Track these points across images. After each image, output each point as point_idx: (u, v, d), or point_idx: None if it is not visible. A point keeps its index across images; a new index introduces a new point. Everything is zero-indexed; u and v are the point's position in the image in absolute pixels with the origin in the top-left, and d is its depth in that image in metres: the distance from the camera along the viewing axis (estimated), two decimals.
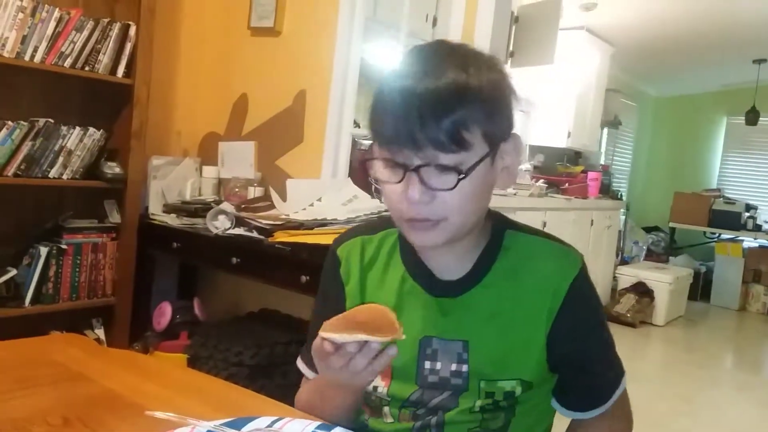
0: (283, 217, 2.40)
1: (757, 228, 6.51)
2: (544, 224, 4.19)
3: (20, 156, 2.32)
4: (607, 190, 5.92)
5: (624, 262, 6.49)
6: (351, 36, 2.70)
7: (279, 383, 2.22)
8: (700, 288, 6.49)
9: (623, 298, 5.35)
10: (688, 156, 7.65)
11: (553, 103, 5.33)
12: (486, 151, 0.84)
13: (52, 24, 2.34)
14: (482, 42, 2.39)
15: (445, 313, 0.95)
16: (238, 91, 3.01)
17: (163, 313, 2.55)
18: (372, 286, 1.01)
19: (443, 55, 0.85)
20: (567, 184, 5.08)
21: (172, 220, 2.58)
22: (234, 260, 2.29)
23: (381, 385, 0.99)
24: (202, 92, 3.10)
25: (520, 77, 3.80)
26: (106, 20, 2.47)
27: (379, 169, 0.87)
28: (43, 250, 2.42)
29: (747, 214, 6.49)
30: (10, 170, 2.31)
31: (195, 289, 3.02)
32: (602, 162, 6.64)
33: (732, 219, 6.46)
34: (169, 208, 2.67)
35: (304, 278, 2.03)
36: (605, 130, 6.56)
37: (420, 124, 0.80)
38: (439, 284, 0.96)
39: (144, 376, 0.98)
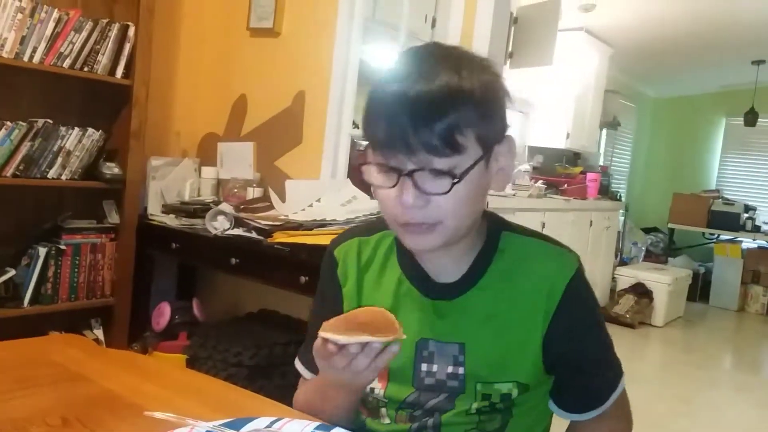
0: (282, 217, 2.40)
1: (756, 229, 6.51)
2: (543, 225, 4.19)
3: (19, 156, 2.32)
4: (606, 191, 5.92)
5: (623, 262, 6.49)
6: (350, 37, 2.70)
7: (278, 384, 2.22)
8: (699, 289, 6.50)
9: (622, 299, 5.35)
10: (687, 157, 7.66)
11: (551, 104, 5.34)
12: (480, 154, 0.84)
13: (51, 24, 2.34)
14: (481, 43, 2.39)
15: (442, 315, 0.95)
16: (237, 91, 3.01)
17: (162, 314, 2.55)
18: (369, 288, 1.01)
19: (436, 57, 0.85)
20: (566, 185, 5.08)
21: (171, 221, 2.58)
22: (233, 261, 2.29)
23: (378, 386, 0.99)
24: (201, 93, 3.10)
25: (519, 78, 3.80)
26: (104, 21, 2.47)
27: (373, 174, 0.86)
28: (42, 251, 2.42)
29: (746, 215, 6.49)
30: (9, 171, 2.31)
31: (194, 289, 3.02)
32: (601, 163, 6.65)
33: (731, 220, 6.46)
34: (168, 209, 2.67)
35: (303, 279, 2.03)
36: (604, 131, 6.57)
37: (413, 128, 0.80)
38: (435, 287, 0.96)
39: (143, 377, 0.98)
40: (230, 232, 2.30)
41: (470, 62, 0.85)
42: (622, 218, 6.59)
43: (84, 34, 2.42)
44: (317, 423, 0.79)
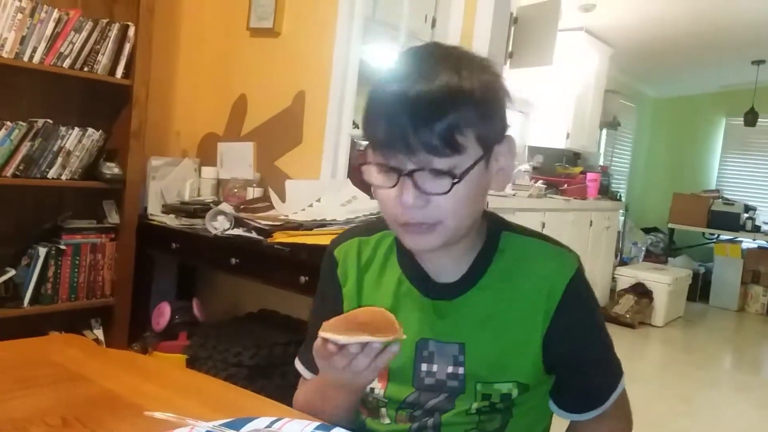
0: (282, 217, 2.40)
1: (756, 229, 6.51)
2: (543, 225, 4.19)
3: (19, 156, 2.32)
4: (606, 191, 5.92)
5: (623, 262, 6.49)
6: (350, 37, 2.70)
7: (278, 384, 2.22)
8: (699, 289, 6.50)
9: (622, 299, 5.35)
10: (687, 157, 7.66)
11: (552, 104, 5.34)
12: (480, 154, 0.84)
13: (51, 24, 2.34)
14: (481, 43, 2.39)
15: (441, 315, 0.95)
16: (237, 91, 3.01)
17: (162, 314, 2.55)
18: (368, 288, 1.01)
19: (436, 57, 0.85)
20: (566, 185, 5.08)
21: (171, 221, 2.58)
22: (233, 261, 2.29)
23: (378, 386, 0.99)
24: (201, 93, 3.10)
25: (519, 78, 3.80)
26: (104, 21, 2.47)
27: (373, 174, 0.86)
28: (42, 251, 2.42)
29: (746, 215, 6.49)
30: (9, 171, 2.31)
31: (194, 289, 3.02)
32: (601, 163, 6.65)
33: (731, 220, 6.46)
34: (168, 209, 2.67)
35: (303, 279, 2.03)
36: (604, 131, 6.57)
37: (413, 128, 0.80)
38: (435, 287, 0.96)
39: (143, 377, 0.98)
40: (230, 232, 2.30)
41: (470, 62, 0.85)
42: (622, 218, 6.59)
43: (84, 34, 2.42)
44: (317, 423, 0.79)
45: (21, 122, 2.33)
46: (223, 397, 0.94)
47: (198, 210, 2.55)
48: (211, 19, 3.08)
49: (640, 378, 3.99)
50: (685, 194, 6.87)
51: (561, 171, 5.69)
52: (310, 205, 2.49)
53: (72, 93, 2.57)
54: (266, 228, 2.24)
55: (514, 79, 4.13)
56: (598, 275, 5.34)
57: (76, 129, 2.44)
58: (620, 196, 6.56)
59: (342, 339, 0.76)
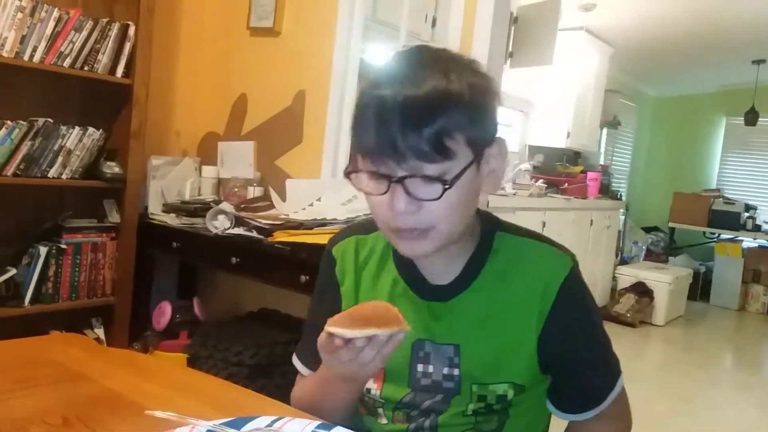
0: (283, 216, 2.40)
1: (757, 228, 6.51)
2: (544, 224, 4.19)
3: (19, 156, 2.32)
4: (606, 190, 5.92)
5: (623, 262, 6.49)
6: (350, 36, 2.70)
7: (278, 383, 2.22)
8: (700, 288, 6.49)
9: (623, 298, 5.35)
10: (688, 156, 7.65)
11: (552, 103, 5.34)
12: (471, 158, 0.83)
13: (51, 24, 2.34)
14: (481, 42, 2.38)
15: (437, 317, 0.95)
16: (237, 91, 3.01)
17: (163, 313, 2.55)
18: (365, 287, 1.01)
19: (424, 61, 0.83)
20: (566, 184, 5.08)
21: (172, 220, 2.58)
22: (233, 260, 2.29)
23: (374, 387, 0.99)
24: (201, 92, 3.11)
25: (519, 78, 3.79)
26: (105, 20, 2.47)
27: (363, 181, 0.86)
28: (43, 250, 2.42)
29: (746, 215, 6.49)
30: (10, 170, 2.31)
31: (194, 288, 3.02)
32: (601, 162, 6.64)
33: (731, 219, 6.46)
34: (168, 208, 2.68)
35: (303, 278, 2.03)
36: (604, 130, 6.56)
37: (402, 134, 0.79)
38: (430, 288, 0.95)
39: (144, 376, 0.98)
40: (231, 231, 2.30)
41: (458, 65, 0.84)
42: (623, 217, 6.59)
43: (84, 33, 2.42)
44: (318, 422, 0.79)
45: (21, 121, 2.33)
46: (223, 397, 0.94)
47: (198, 209, 2.55)
48: (211, 18, 3.08)
49: (640, 377, 3.98)
50: (685, 193, 6.87)
51: (561, 170, 5.68)
52: (311, 205, 2.49)
53: (72, 92, 2.58)
54: (267, 227, 2.24)
55: (514, 78, 4.13)
56: (598, 274, 5.34)
57: (77, 128, 2.44)
58: (621, 195, 6.56)
59: (349, 333, 0.76)
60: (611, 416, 0.98)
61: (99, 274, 2.57)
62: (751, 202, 6.76)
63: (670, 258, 6.86)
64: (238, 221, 2.33)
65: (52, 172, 2.41)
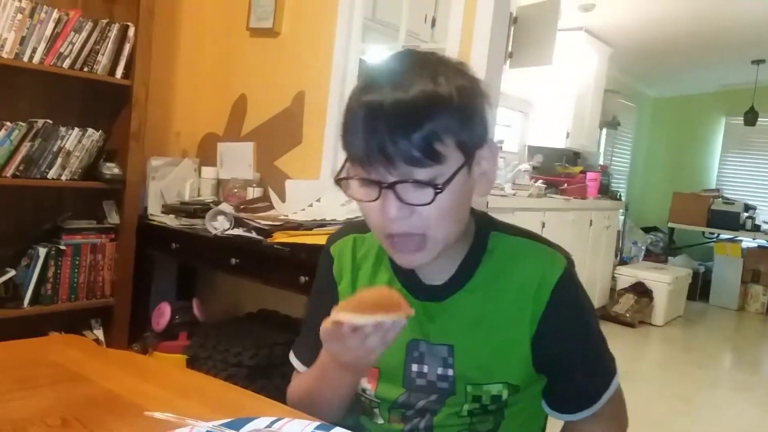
0: (282, 217, 2.40)
1: (756, 228, 6.51)
2: (543, 225, 4.19)
3: (19, 157, 2.32)
4: (605, 191, 5.92)
5: (623, 262, 6.49)
6: (350, 37, 2.70)
7: (278, 384, 2.22)
8: (699, 288, 6.50)
9: (622, 298, 5.35)
10: (687, 156, 7.66)
11: (551, 103, 5.34)
12: (461, 161, 0.83)
13: (51, 25, 2.34)
14: (481, 43, 2.38)
15: (431, 317, 0.95)
16: (237, 91, 3.01)
17: (162, 314, 2.55)
18: (362, 285, 1.01)
19: (411, 65, 0.83)
20: (566, 185, 5.08)
21: (171, 221, 2.58)
22: (233, 261, 2.29)
23: (368, 387, 0.99)
24: (201, 93, 3.11)
25: (518, 78, 3.80)
26: (104, 21, 2.47)
27: (354, 188, 0.85)
28: (42, 251, 2.42)
29: (746, 215, 6.49)
30: (9, 171, 2.31)
31: (194, 289, 3.02)
32: (601, 162, 6.64)
33: (731, 219, 6.46)
34: (167, 209, 2.68)
35: (302, 279, 2.03)
36: (604, 130, 6.56)
37: (391, 140, 0.78)
38: (425, 288, 0.95)
39: (143, 377, 0.98)
40: (230, 232, 2.30)
41: (446, 68, 0.84)
42: (622, 218, 6.59)
43: (84, 34, 2.42)
44: (317, 423, 0.79)
45: (21, 123, 2.33)
46: (223, 397, 0.94)
47: (198, 210, 2.55)
48: (210, 19, 3.08)
49: (640, 377, 3.99)
50: (685, 193, 6.87)
51: (561, 170, 5.68)
52: (310, 205, 2.49)
53: (72, 93, 2.57)
54: (266, 228, 2.24)
55: (513, 78, 4.13)
56: (598, 274, 5.34)
57: (76, 129, 2.44)
58: (620, 195, 6.56)
59: (359, 320, 0.76)
60: (607, 416, 0.98)
61: (98, 275, 2.57)
62: (750, 202, 6.76)
63: (669, 258, 6.86)
64: (238, 222, 2.33)
65: (51, 173, 2.41)
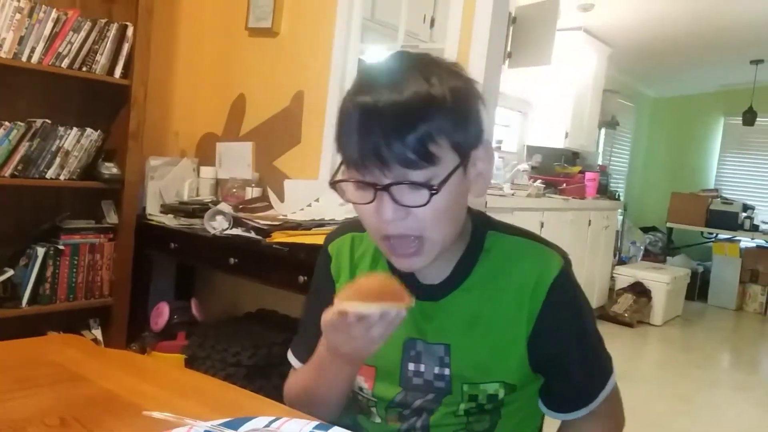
0: (281, 217, 2.40)
1: (755, 228, 6.52)
2: (542, 224, 4.20)
3: (17, 156, 2.32)
4: (604, 191, 5.92)
5: (621, 262, 6.49)
6: (348, 36, 2.70)
7: (276, 383, 2.20)
8: (698, 288, 6.51)
9: (621, 298, 5.36)
10: (686, 156, 7.66)
11: (550, 103, 5.34)
12: (457, 162, 0.83)
13: (50, 25, 2.34)
14: (480, 42, 2.38)
15: (428, 316, 0.95)
16: (235, 91, 3.01)
17: (161, 314, 2.55)
18: None
19: (404, 67, 0.83)
20: (564, 185, 5.08)
21: (170, 221, 2.58)
22: (231, 261, 2.29)
23: (365, 386, 0.99)
24: (199, 93, 3.10)
25: (517, 78, 3.79)
26: (103, 21, 2.47)
27: (350, 191, 0.85)
28: (41, 251, 2.42)
29: (744, 214, 6.50)
30: (7, 171, 2.31)
31: (192, 289, 3.02)
32: (600, 162, 6.65)
33: (729, 219, 6.47)
34: (166, 209, 2.67)
35: (301, 278, 2.03)
36: (603, 130, 6.57)
37: (385, 142, 0.78)
38: (421, 288, 0.95)
39: (141, 377, 0.98)
40: (229, 232, 2.30)
41: (439, 69, 0.84)
42: (621, 217, 6.59)
43: (82, 34, 2.41)
44: (316, 422, 0.79)
45: (19, 122, 2.33)
46: (221, 397, 0.94)
47: (196, 210, 2.55)
48: (209, 19, 3.08)
49: (638, 377, 3.99)
50: (683, 193, 6.88)
51: (560, 170, 5.68)
52: (309, 205, 2.49)
53: (70, 93, 2.57)
54: (265, 228, 2.24)
55: (512, 78, 4.13)
56: (596, 274, 5.35)
57: (75, 129, 2.44)
58: (619, 195, 6.56)
59: (368, 309, 0.77)
60: (603, 415, 0.98)
61: (97, 275, 2.57)
62: (748, 202, 6.77)
63: (667, 258, 6.87)
64: (236, 222, 2.33)
65: (50, 173, 2.41)
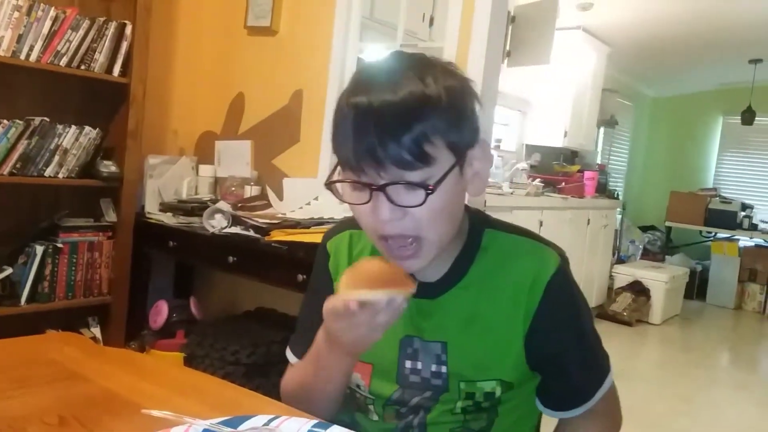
0: (280, 216, 2.40)
1: (753, 227, 6.52)
2: (541, 223, 4.20)
3: (16, 154, 2.32)
4: (603, 190, 5.92)
5: (620, 261, 6.49)
6: (347, 35, 2.70)
7: (275, 382, 2.20)
8: (696, 287, 6.51)
9: (619, 297, 5.36)
10: (685, 155, 7.66)
11: (549, 102, 5.34)
12: (452, 162, 0.82)
13: (48, 23, 2.34)
14: (479, 41, 2.38)
15: (425, 314, 0.95)
16: (234, 90, 3.01)
17: (160, 312, 2.55)
18: None
19: (399, 67, 0.83)
20: (563, 184, 5.08)
21: (169, 219, 2.58)
22: (230, 259, 2.29)
23: (362, 383, 0.99)
24: (198, 91, 3.10)
25: (516, 77, 3.80)
26: (102, 19, 2.46)
27: (346, 191, 0.85)
28: (39, 249, 2.42)
29: (743, 214, 6.50)
30: (6, 169, 2.30)
31: (191, 287, 3.02)
32: (599, 161, 6.65)
33: (728, 218, 6.47)
34: (165, 207, 2.67)
35: (300, 277, 2.03)
36: (602, 129, 6.57)
37: (380, 143, 0.78)
38: (419, 285, 0.95)
39: (140, 375, 0.98)
40: (227, 230, 2.30)
41: (434, 68, 0.83)
42: (620, 216, 6.59)
43: (81, 32, 2.41)
44: (315, 421, 0.79)
45: (18, 120, 2.33)
46: (220, 395, 0.94)
47: (195, 208, 2.55)
48: (208, 17, 3.08)
49: (638, 376, 3.99)
50: (682, 192, 6.88)
51: (558, 169, 5.68)
52: (308, 204, 2.49)
53: (69, 91, 2.57)
54: (263, 226, 2.24)
55: (511, 77, 4.13)
56: (595, 273, 5.35)
57: (73, 127, 2.44)
58: (618, 194, 6.56)
59: (376, 296, 0.77)
60: (601, 413, 0.99)
61: (95, 273, 2.57)
62: (747, 201, 6.77)
63: (666, 257, 6.87)
64: (235, 220, 2.33)
65: (48, 171, 2.40)
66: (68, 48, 2.39)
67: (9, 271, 2.39)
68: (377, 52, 3.25)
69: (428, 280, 0.95)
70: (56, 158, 2.41)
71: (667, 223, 6.88)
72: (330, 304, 0.81)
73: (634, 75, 7.00)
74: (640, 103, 7.68)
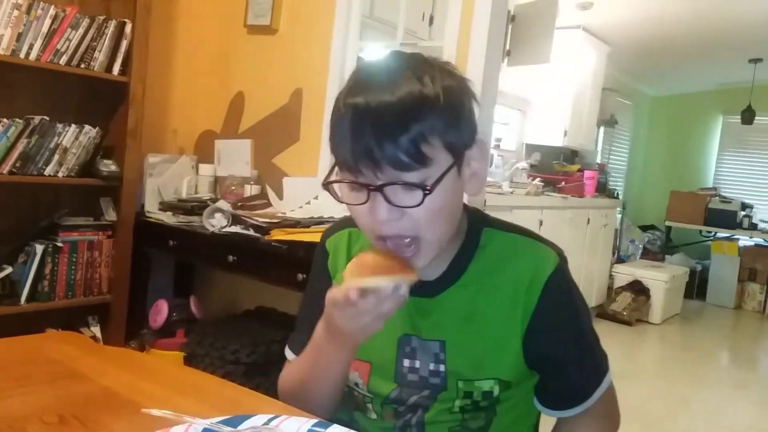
0: (280, 215, 2.40)
1: (753, 227, 6.52)
2: (541, 223, 4.20)
3: (15, 153, 2.31)
4: (603, 189, 5.93)
5: (620, 260, 6.49)
6: (347, 34, 2.70)
7: (275, 381, 2.21)
8: (696, 286, 6.51)
9: (619, 297, 5.36)
10: (684, 155, 7.66)
11: (549, 102, 5.34)
12: (450, 162, 0.82)
13: (48, 21, 2.34)
14: (479, 41, 2.38)
15: (423, 312, 0.95)
16: (234, 89, 3.01)
17: (160, 311, 2.55)
18: None
19: (397, 67, 0.83)
20: (563, 183, 5.08)
21: (168, 218, 2.58)
22: (230, 258, 2.29)
23: (360, 381, 0.99)
24: (198, 90, 3.10)
25: (516, 76, 3.79)
26: (101, 18, 2.46)
27: (344, 192, 0.85)
28: (39, 248, 2.42)
29: (743, 213, 6.50)
30: (6, 168, 2.30)
31: (191, 287, 3.02)
32: (598, 161, 6.65)
33: (728, 218, 6.48)
34: (165, 206, 2.67)
35: (300, 276, 2.03)
36: (601, 129, 6.57)
37: (377, 144, 0.78)
38: (417, 284, 0.95)
39: (140, 374, 0.98)
40: (227, 229, 2.30)
41: (432, 68, 0.83)
42: (620, 216, 6.59)
43: (81, 30, 2.41)
44: (315, 420, 0.79)
45: (17, 119, 2.32)
46: (220, 395, 0.94)
47: (195, 207, 2.55)
48: (208, 16, 3.07)
49: (638, 376, 3.99)
50: (682, 192, 6.88)
51: (558, 169, 5.68)
52: (308, 203, 2.49)
53: (69, 90, 2.57)
54: (263, 225, 2.24)
55: (511, 77, 4.13)
56: (595, 273, 5.35)
57: (73, 126, 2.44)
58: (617, 193, 6.56)
59: (383, 282, 0.77)
60: (599, 413, 0.99)
61: (95, 272, 2.57)
62: (747, 201, 6.77)
63: (666, 256, 6.87)
64: (235, 219, 2.33)
65: (48, 170, 2.40)
66: (68, 46, 2.39)
67: (9, 270, 2.39)
68: (377, 51, 3.24)
69: (427, 279, 0.94)
70: (56, 157, 2.41)
71: (667, 223, 6.88)
72: (333, 294, 0.81)
73: (634, 74, 7.00)
74: (640, 103, 7.68)
